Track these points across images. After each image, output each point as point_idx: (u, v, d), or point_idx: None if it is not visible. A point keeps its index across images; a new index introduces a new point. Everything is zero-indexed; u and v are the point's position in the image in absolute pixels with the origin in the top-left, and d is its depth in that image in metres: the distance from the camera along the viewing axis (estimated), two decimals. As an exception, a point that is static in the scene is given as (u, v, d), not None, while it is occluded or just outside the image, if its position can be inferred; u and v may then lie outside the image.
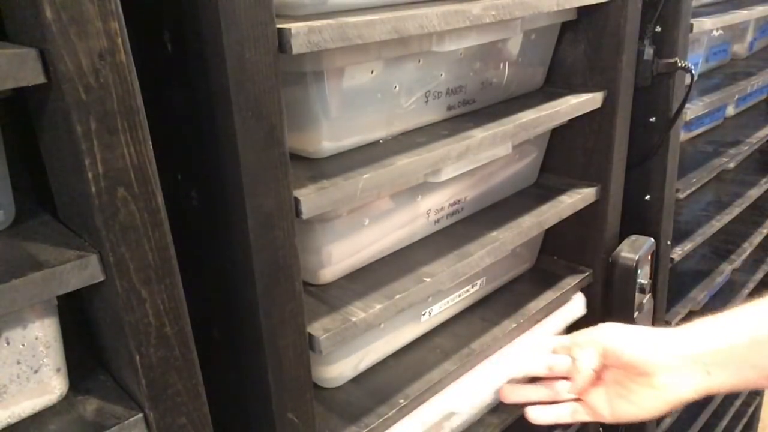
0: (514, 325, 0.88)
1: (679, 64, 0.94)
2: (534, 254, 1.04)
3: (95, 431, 0.49)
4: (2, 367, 0.48)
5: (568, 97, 0.87)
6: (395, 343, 0.83)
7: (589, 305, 1.01)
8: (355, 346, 0.76)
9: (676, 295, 1.26)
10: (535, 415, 0.80)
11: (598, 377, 0.77)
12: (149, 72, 0.53)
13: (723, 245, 1.47)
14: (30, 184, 0.57)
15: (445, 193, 0.82)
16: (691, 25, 0.97)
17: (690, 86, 0.96)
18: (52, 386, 0.51)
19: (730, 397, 1.71)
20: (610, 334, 0.76)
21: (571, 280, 0.98)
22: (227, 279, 0.59)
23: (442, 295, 0.84)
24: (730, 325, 0.68)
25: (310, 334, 0.61)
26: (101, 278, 0.45)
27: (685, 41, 0.96)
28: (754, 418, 1.98)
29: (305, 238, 0.66)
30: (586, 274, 0.99)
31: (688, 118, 1.06)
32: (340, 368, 0.76)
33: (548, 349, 0.82)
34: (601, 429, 1.13)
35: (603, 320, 0.85)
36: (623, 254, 0.98)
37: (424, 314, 0.84)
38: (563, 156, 0.98)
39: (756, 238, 1.48)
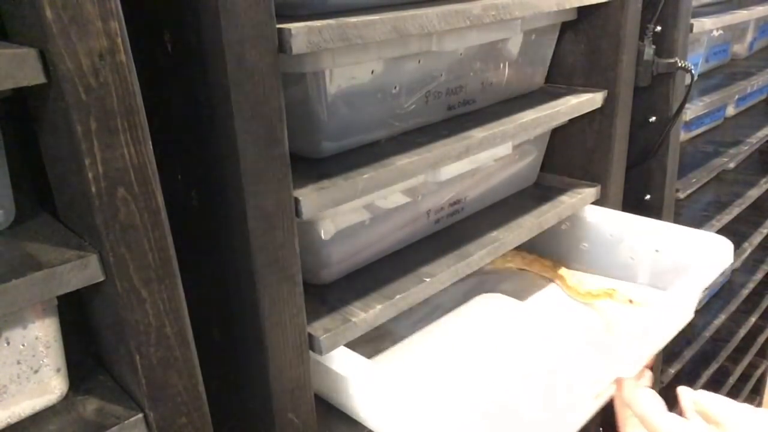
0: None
1: (679, 64, 0.94)
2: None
3: (95, 431, 0.49)
4: (2, 367, 0.48)
5: (568, 97, 0.87)
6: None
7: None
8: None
9: (676, 295, 1.26)
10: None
11: None
12: (149, 72, 0.53)
13: (723, 245, 1.46)
14: (30, 184, 0.57)
15: (445, 193, 0.82)
16: (691, 25, 0.97)
17: (690, 86, 0.96)
18: (52, 386, 0.51)
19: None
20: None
21: (571, 280, 0.98)
22: (227, 279, 0.59)
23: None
24: None
25: (310, 334, 0.61)
26: (101, 278, 0.45)
27: (685, 41, 0.96)
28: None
29: (305, 238, 0.66)
30: (586, 274, 0.99)
31: (688, 118, 1.06)
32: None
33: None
34: (601, 429, 1.13)
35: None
36: (623, 254, 0.98)
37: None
38: (563, 156, 0.98)
39: (756, 238, 1.47)
